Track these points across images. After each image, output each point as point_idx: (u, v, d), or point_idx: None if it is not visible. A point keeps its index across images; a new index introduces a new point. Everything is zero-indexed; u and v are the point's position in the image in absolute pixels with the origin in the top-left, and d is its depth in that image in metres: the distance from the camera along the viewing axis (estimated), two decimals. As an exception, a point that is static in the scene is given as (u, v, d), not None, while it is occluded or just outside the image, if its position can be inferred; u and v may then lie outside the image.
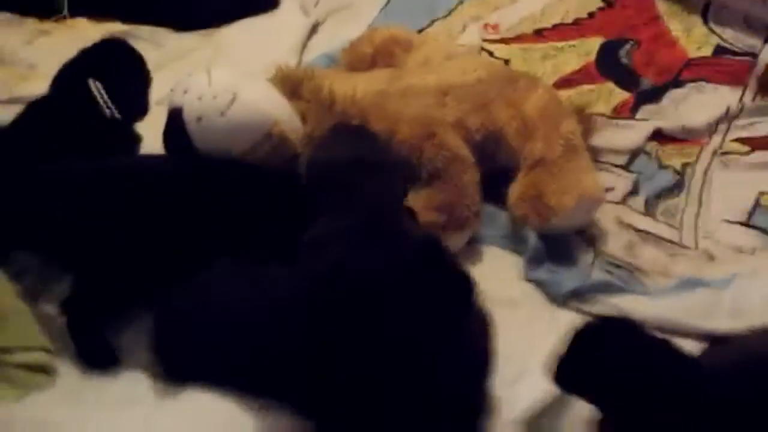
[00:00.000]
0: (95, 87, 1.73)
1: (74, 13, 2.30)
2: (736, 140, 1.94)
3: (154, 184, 1.66)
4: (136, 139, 1.80)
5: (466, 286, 1.32)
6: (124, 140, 1.80)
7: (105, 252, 1.61)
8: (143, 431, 1.41)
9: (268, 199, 1.68)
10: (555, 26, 2.22)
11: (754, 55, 2.16)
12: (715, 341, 1.52)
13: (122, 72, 1.79)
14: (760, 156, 1.90)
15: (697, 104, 1.99)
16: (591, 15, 2.24)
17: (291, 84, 1.78)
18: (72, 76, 1.77)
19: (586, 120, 1.85)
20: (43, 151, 1.70)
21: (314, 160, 1.63)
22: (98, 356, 1.56)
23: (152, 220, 1.62)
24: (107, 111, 1.74)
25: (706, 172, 1.86)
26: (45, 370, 1.51)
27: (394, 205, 1.56)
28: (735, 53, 2.15)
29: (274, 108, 1.71)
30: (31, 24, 2.26)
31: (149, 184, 1.65)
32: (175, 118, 1.67)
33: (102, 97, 1.74)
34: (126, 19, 2.24)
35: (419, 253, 1.36)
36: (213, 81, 1.72)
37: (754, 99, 2.06)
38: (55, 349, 1.53)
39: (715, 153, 1.90)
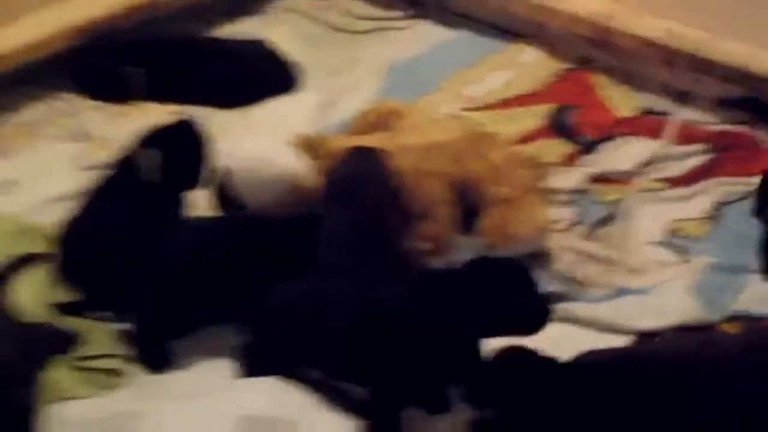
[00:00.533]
0: (146, 155, 1.91)
1: (146, 98, 2.36)
2: (656, 180, 2.20)
3: (216, 239, 1.89)
4: (178, 203, 1.98)
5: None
6: (167, 203, 2.00)
7: (179, 291, 1.85)
8: (206, 416, 1.65)
9: (298, 240, 1.87)
10: (516, 96, 2.45)
11: (669, 114, 2.36)
12: (642, 336, 1.83)
13: (182, 146, 2.00)
14: (674, 192, 2.16)
15: (625, 153, 2.25)
16: (543, 87, 2.48)
17: (310, 148, 2.03)
18: (136, 146, 1.95)
19: (539, 167, 2.12)
20: (102, 209, 1.94)
21: (328, 177, 1.90)
22: (158, 362, 1.82)
23: (214, 266, 1.84)
24: (145, 176, 1.91)
25: (633, 205, 2.12)
26: (120, 373, 1.80)
27: (388, 212, 1.83)
28: (654, 113, 2.40)
29: (299, 167, 1.99)
30: (113, 107, 2.38)
31: (214, 239, 1.88)
32: (226, 176, 1.96)
33: (147, 164, 1.91)
34: (183, 102, 2.32)
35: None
36: (253, 148, 2.06)
37: (669, 147, 2.28)
38: (128, 356, 1.81)
39: (639, 190, 2.16)
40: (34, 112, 2.41)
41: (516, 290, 1.61)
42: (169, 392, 1.74)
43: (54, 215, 2.01)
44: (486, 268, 1.65)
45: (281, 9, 2.82)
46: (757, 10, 2.35)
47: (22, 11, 2.46)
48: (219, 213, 2.04)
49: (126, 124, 2.24)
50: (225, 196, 2.00)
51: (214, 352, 1.81)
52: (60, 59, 2.44)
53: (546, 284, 1.84)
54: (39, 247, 1.97)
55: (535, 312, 1.60)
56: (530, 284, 1.62)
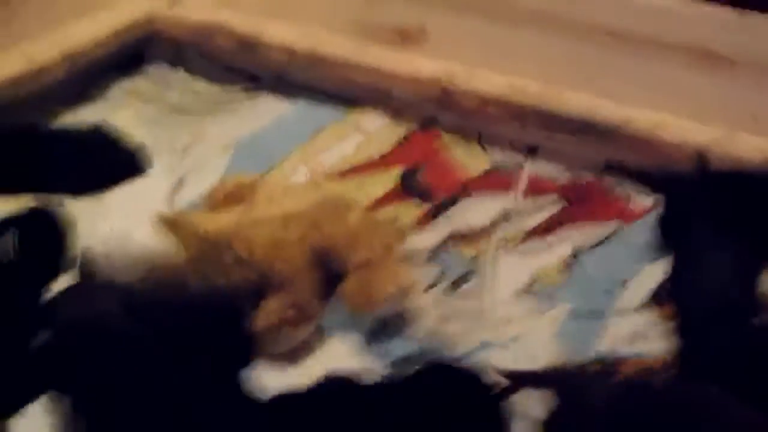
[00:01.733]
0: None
1: None
2: (512, 233, 2.22)
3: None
4: (39, 290, 1.91)
5: None
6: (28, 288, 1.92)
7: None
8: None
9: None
10: (365, 162, 2.46)
11: (519, 169, 2.40)
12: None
13: (39, 231, 2.01)
14: (530, 244, 2.18)
15: (479, 210, 2.26)
16: (391, 151, 2.49)
17: (171, 226, 2.00)
18: None
19: (397, 230, 2.14)
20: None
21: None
22: None
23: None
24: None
25: (492, 259, 2.15)
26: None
27: None
28: (504, 169, 2.42)
29: (160, 244, 1.96)
30: None
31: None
32: (87, 258, 1.92)
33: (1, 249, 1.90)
34: (33, 191, 2.28)
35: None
36: (112, 229, 2.01)
37: (521, 201, 2.33)
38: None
39: (497, 244, 2.18)
40: None
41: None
42: None
43: None
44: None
45: (122, 92, 2.83)
46: (600, 58, 2.44)
47: None
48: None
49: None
50: (87, 277, 1.95)
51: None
52: None
53: (413, 344, 1.90)
54: None
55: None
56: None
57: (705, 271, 1.92)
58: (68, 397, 1.70)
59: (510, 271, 2.14)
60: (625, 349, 1.90)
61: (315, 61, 2.72)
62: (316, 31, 2.71)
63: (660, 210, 2.19)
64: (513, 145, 2.54)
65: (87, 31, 2.73)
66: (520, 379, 1.79)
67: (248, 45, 2.78)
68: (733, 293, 1.88)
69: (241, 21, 2.79)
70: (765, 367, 1.68)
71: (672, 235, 2.11)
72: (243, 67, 2.86)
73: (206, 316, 1.86)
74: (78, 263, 1.95)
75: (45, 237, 2.01)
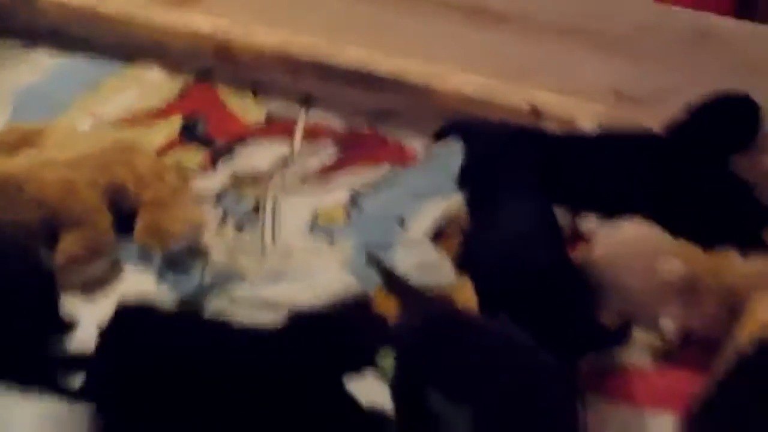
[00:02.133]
0: None
1: None
2: (293, 176, 2.30)
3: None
4: None
5: None
6: None
7: None
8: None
9: None
10: (146, 112, 2.49)
11: (296, 118, 2.49)
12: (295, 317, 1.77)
13: None
14: (311, 186, 2.28)
15: (260, 155, 2.34)
16: (171, 102, 2.53)
17: None
18: None
19: (183, 171, 2.22)
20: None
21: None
22: None
23: None
24: None
25: (275, 200, 2.23)
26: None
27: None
28: (282, 117, 2.49)
29: None
30: None
31: None
32: None
33: None
34: None
35: None
36: None
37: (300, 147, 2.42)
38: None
39: (279, 186, 2.26)
40: None
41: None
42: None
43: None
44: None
45: None
46: (378, 15, 2.51)
47: None
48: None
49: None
50: None
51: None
52: None
53: (203, 277, 1.98)
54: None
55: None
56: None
57: (501, 218, 1.96)
58: None
59: (291, 211, 2.21)
60: (413, 278, 1.96)
61: (92, 17, 2.69)
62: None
63: (461, 158, 2.23)
64: (288, 96, 2.59)
65: None
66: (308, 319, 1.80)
67: (25, 0, 2.70)
68: (525, 239, 1.91)
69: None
70: (548, 303, 1.76)
71: (470, 182, 2.16)
72: (20, 22, 2.78)
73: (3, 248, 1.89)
74: None
75: None
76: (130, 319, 1.76)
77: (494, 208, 2.03)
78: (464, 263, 1.97)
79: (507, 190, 2.06)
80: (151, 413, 1.66)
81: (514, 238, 1.90)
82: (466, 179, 2.20)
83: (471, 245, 2.00)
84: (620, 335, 1.81)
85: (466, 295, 1.92)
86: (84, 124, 2.43)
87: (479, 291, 1.87)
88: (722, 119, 2.14)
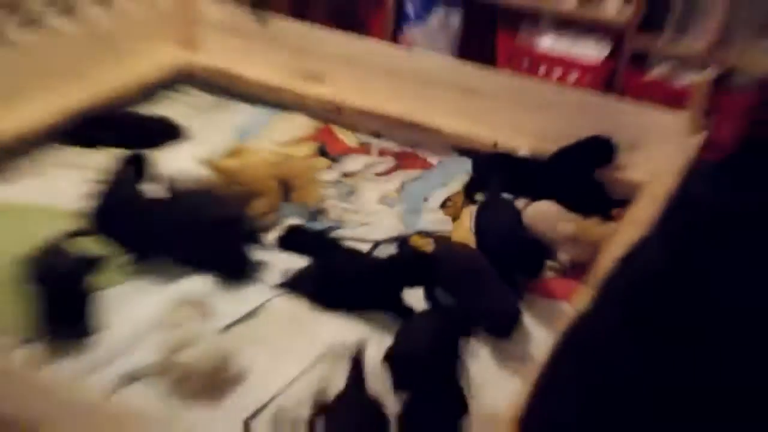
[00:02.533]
0: None
1: (110, 146, 2.42)
2: (372, 174, 2.56)
3: None
4: None
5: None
6: None
7: None
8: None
9: None
10: (299, 138, 2.68)
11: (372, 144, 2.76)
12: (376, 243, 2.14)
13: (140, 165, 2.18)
14: (380, 179, 2.54)
15: (354, 162, 2.60)
16: (310, 135, 2.74)
17: (208, 165, 2.25)
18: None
19: (316, 169, 2.40)
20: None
21: None
22: None
23: None
24: None
25: (362, 185, 2.47)
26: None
27: None
28: (364, 143, 2.74)
29: (204, 174, 2.22)
30: (92, 151, 2.47)
31: None
32: (169, 179, 2.13)
33: None
34: (124, 147, 2.36)
35: None
36: (179, 168, 2.23)
37: (374, 159, 2.61)
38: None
39: (364, 178, 2.52)
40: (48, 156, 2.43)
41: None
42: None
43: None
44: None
45: (176, 96, 2.95)
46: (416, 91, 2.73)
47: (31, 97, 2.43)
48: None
49: (99, 156, 2.37)
50: (172, 190, 2.13)
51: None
52: (65, 128, 2.48)
53: (328, 223, 2.27)
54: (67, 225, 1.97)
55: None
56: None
57: (492, 209, 2.18)
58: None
59: (369, 192, 2.48)
60: (431, 228, 2.30)
61: (266, 87, 2.98)
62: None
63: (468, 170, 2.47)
64: (368, 131, 2.83)
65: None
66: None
67: (225, 74, 2.93)
68: (506, 222, 2.11)
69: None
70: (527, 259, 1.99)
71: (474, 188, 2.42)
72: (225, 88, 3.00)
73: (225, 205, 2.11)
74: (167, 183, 2.15)
75: (144, 166, 2.20)
76: (296, 232, 2.17)
77: (488, 200, 2.25)
78: (476, 231, 2.15)
79: (493, 186, 2.31)
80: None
81: (499, 217, 2.14)
82: (474, 180, 2.47)
83: (479, 220, 2.16)
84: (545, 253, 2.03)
85: (458, 235, 2.25)
86: (265, 144, 2.61)
87: (482, 245, 2.07)
88: (595, 148, 2.41)
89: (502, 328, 1.83)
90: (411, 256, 1.99)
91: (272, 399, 1.63)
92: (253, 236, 2.11)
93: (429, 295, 1.90)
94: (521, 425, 1.24)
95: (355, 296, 1.91)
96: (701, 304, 1.01)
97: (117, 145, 2.41)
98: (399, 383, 1.59)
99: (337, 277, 1.93)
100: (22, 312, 1.69)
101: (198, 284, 1.93)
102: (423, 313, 1.84)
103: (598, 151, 2.40)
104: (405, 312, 1.86)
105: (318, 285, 1.93)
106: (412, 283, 1.87)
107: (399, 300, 1.88)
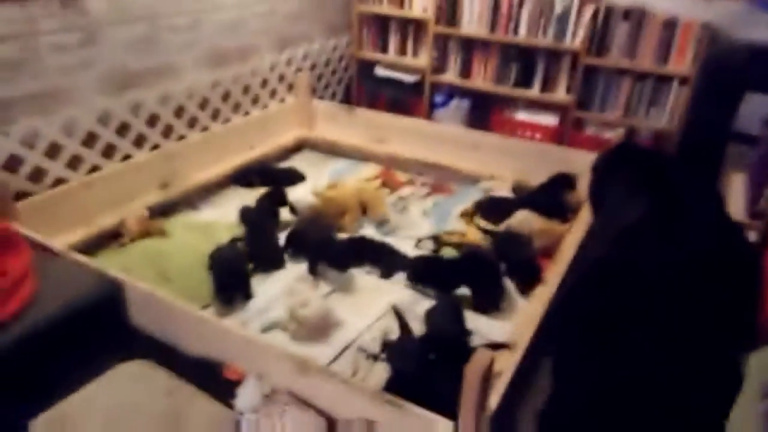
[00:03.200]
0: None
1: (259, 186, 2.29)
2: (416, 197, 2.37)
3: None
4: None
5: None
6: None
7: None
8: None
9: None
10: (370, 178, 2.49)
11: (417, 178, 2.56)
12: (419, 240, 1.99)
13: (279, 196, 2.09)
14: (421, 200, 2.35)
15: (405, 190, 2.41)
16: (377, 175, 2.54)
17: (315, 195, 2.15)
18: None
19: (381, 196, 2.22)
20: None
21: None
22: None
23: None
24: None
25: (411, 205, 2.30)
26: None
27: None
28: (412, 178, 2.53)
29: (313, 201, 2.11)
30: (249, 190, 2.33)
31: None
32: (294, 205, 2.03)
33: None
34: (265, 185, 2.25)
35: None
36: (297, 198, 2.11)
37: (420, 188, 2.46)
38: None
39: (411, 200, 2.33)
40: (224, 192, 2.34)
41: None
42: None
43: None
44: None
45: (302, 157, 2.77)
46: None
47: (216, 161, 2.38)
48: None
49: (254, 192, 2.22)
50: (295, 213, 2.04)
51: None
52: (234, 177, 2.40)
53: (390, 227, 2.10)
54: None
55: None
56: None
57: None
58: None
59: (415, 208, 2.33)
60: (453, 229, 2.13)
61: (340, 148, 2.80)
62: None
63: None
64: (415, 171, 2.65)
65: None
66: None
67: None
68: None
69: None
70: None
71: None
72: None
73: (331, 227, 1.98)
74: (291, 208, 2.06)
75: (281, 196, 2.12)
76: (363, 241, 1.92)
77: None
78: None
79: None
80: None
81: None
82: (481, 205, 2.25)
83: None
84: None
85: (470, 232, 2.11)
86: (351, 181, 2.47)
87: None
88: (562, 180, 2.24)
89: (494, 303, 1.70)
90: (474, 260, 1.79)
91: (356, 338, 1.57)
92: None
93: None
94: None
95: (436, 281, 1.76)
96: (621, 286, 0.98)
97: (264, 185, 2.31)
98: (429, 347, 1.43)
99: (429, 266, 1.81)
100: (207, 288, 1.65)
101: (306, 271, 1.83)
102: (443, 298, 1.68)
103: (564, 180, 2.24)
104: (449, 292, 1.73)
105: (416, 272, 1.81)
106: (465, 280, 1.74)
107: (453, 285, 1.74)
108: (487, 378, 1.00)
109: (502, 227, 2.05)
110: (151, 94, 2.15)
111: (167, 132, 2.28)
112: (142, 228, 1.84)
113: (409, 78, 3.14)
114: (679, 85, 2.64)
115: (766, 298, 0.97)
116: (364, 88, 3.29)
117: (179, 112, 2.30)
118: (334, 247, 1.83)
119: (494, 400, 1.10)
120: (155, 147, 2.21)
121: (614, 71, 2.72)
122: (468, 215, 2.23)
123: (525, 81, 2.94)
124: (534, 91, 2.93)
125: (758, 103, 2.46)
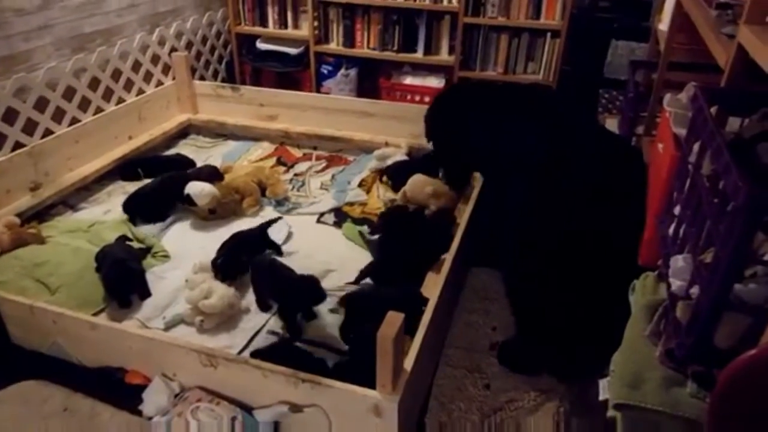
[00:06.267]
0: None
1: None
2: (313, 171, 2.37)
3: None
4: None
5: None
6: None
7: None
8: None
9: None
10: (265, 155, 2.46)
11: (313, 152, 2.57)
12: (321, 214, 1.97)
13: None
14: (320, 174, 2.33)
15: (303, 165, 2.38)
16: (271, 153, 2.50)
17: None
18: None
19: (277, 174, 2.23)
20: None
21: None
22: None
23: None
24: None
25: (308, 179, 2.27)
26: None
27: None
28: (308, 153, 2.49)
29: (213, 188, 1.99)
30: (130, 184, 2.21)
31: None
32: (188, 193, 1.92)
33: None
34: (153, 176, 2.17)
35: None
36: (194, 185, 2.00)
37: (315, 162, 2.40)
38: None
39: (309, 175, 2.31)
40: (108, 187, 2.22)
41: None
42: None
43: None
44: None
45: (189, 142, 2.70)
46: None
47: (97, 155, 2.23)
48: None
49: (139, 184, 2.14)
50: (189, 201, 1.94)
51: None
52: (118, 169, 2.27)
53: (289, 205, 2.07)
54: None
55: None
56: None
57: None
58: None
59: (314, 183, 2.32)
60: (354, 200, 2.14)
61: (242, 128, 2.70)
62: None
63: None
64: (309, 146, 2.64)
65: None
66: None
67: (214, 123, 2.72)
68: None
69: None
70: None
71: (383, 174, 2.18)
72: (213, 131, 2.75)
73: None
74: (188, 200, 1.97)
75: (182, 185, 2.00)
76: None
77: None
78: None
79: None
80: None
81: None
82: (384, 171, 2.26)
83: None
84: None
85: (371, 203, 2.12)
86: (245, 163, 2.45)
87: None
88: None
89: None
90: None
91: (266, 322, 1.55)
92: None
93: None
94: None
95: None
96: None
97: (150, 177, 2.22)
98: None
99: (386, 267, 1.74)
100: (98, 292, 1.56)
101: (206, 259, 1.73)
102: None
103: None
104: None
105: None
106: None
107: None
108: (400, 340, 1.02)
109: (399, 194, 2.06)
110: (2, 85, 1.96)
111: (30, 128, 2.10)
112: (13, 237, 1.69)
113: (292, 50, 3.07)
114: (552, 38, 2.74)
115: (648, 224, 1.00)
116: (247, 65, 3.19)
117: (41, 104, 2.12)
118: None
119: (408, 363, 1.12)
120: (19, 146, 2.04)
121: (492, 29, 2.80)
122: (367, 184, 2.22)
123: (409, 45, 2.96)
124: (418, 55, 2.95)
125: (623, 49, 2.73)
